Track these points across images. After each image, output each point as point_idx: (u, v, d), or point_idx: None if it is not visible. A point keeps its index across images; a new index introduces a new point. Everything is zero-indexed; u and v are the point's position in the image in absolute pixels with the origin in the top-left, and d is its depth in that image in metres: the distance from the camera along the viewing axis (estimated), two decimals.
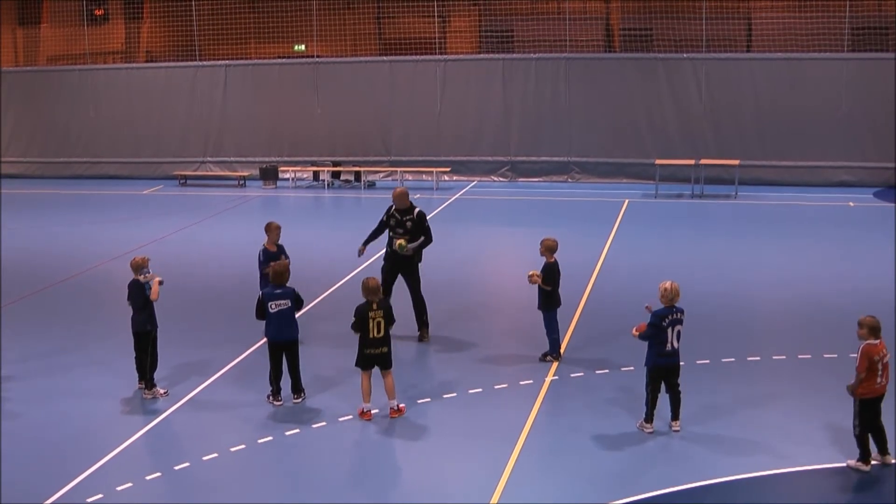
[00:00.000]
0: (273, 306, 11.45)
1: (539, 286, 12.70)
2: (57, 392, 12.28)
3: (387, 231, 14.01)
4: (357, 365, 11.20)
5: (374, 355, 11.09)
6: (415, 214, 13.79)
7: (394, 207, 13.83)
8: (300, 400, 11.71)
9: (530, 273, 12.66)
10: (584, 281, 16.95)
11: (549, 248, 12.82)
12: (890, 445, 9.81)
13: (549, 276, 12.69)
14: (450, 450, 10.47)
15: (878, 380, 9.62)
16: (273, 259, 13.01)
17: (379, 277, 12.13)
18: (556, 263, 12.78)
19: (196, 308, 16.02)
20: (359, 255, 14.29)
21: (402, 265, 13.93)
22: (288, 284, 11.63)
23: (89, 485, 9.64)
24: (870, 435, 9.71)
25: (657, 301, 10.61)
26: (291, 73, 30.42)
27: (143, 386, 11.97)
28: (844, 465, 9.77)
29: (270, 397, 11.70)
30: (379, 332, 11.03)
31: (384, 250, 14.16)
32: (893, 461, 9.78)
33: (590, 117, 28.43)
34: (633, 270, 17.88)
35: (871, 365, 9.57)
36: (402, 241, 13.66)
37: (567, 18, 28.89)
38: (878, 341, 9.63)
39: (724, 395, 11.75)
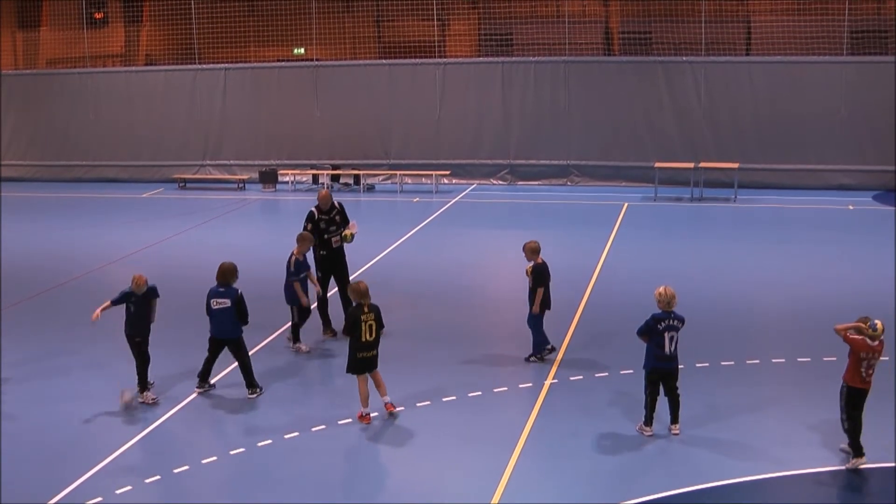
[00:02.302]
0: (214, 304, 11.91)
1: (531, 288, 12.73)
2: (56, 395, 12.29)
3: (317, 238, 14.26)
4: (350, 371, 11.20)
5: (366, 359, 11.10)
6: (338, 207, 14.46)
7: (318, 213, 14.24)
8: (255, 396, 11.93)
9: (528, 269, 12.80)
10: (584, 284, 16.95)
11: (532, 251, 12.84)
12: (889, 447, 9.81)
13: (540, 277, 12.71)
14: (449, 453, 10.47)
15: (863, 372, 9.66)
16: (303, 269, 13.35)
17: (357, 282, 12.15)
18: (544, 264, 12.80)
19: (195, 311, 15.96)
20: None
21: (336, 265, 14.32)
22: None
23: (88, 488, 9.66)
24: None
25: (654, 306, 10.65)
26: (291, 76, 30.42)
27: (138, 390, 11.95)
28: (843, 468, 9.78)
29: (197, 389, 12.12)
30: (371, 335, 11.06)
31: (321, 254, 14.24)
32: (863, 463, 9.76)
33: (589, 120, 28.42)
34: (633, 274, 17.87)
35: (857, 359, 9.62)
36: (349, 232, 14.28)
37: (566, 22, 28.89)
38: (875, 342, 9.67)
39: (723, 398, 11.75)
